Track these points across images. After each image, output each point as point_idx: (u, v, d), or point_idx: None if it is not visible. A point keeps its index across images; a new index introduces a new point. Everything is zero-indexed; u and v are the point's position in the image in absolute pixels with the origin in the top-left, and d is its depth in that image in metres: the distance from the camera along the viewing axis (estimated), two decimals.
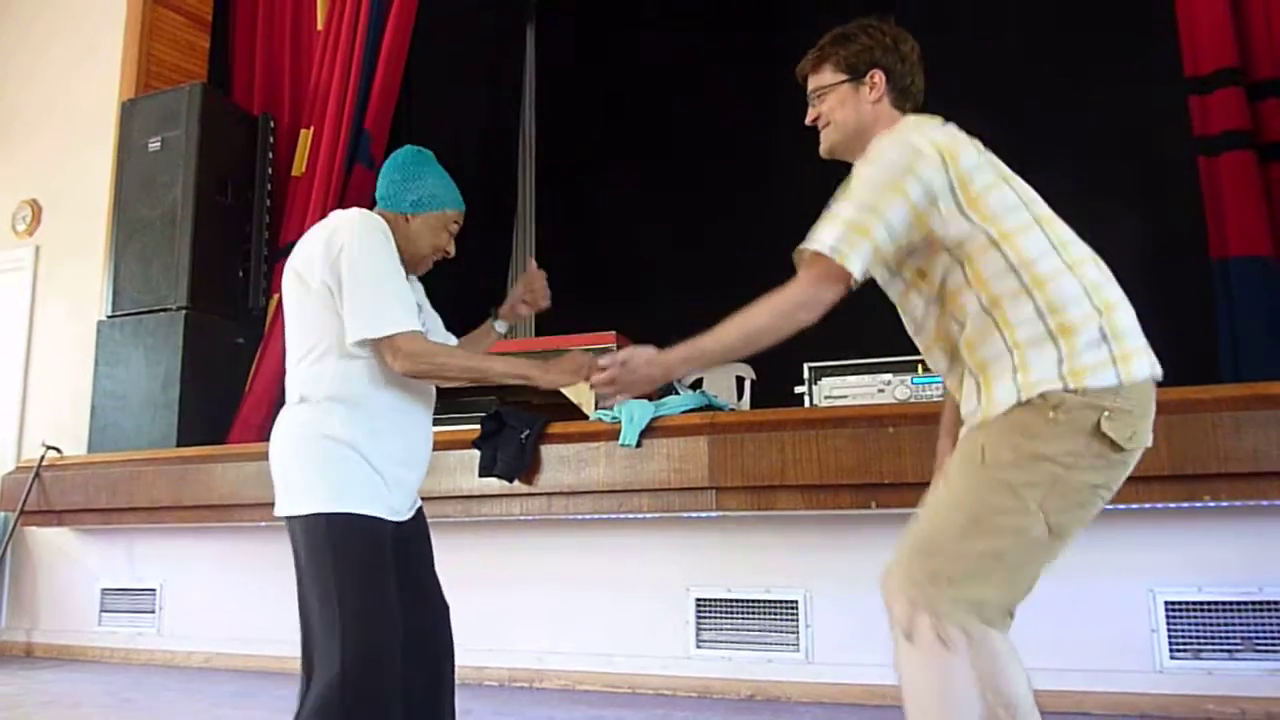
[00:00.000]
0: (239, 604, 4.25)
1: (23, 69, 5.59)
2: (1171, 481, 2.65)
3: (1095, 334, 1.54)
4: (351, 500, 1.79)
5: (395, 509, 1.88)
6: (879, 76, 1.76)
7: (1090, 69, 4.73)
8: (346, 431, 1.82)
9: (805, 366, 3.55)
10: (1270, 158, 3.30)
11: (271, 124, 4.94)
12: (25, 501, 4.41)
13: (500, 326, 2.24)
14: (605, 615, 3.60)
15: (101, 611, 4.61)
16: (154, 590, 4.50)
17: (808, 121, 1.85)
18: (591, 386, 1.82)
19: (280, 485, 1.87)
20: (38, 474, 4.44)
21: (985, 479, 1.55)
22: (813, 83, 1.83)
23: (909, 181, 1.58)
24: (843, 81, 1.78)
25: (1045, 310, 1.55)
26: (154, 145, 4.65)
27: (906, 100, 1.79)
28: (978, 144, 1.69)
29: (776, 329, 1.64)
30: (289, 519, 1.84)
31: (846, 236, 1.58)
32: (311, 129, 4.80)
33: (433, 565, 2.00)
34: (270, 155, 4.88)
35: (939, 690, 1.51)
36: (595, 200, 5.92)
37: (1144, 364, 1.56)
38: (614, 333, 3.86)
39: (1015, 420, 1.54)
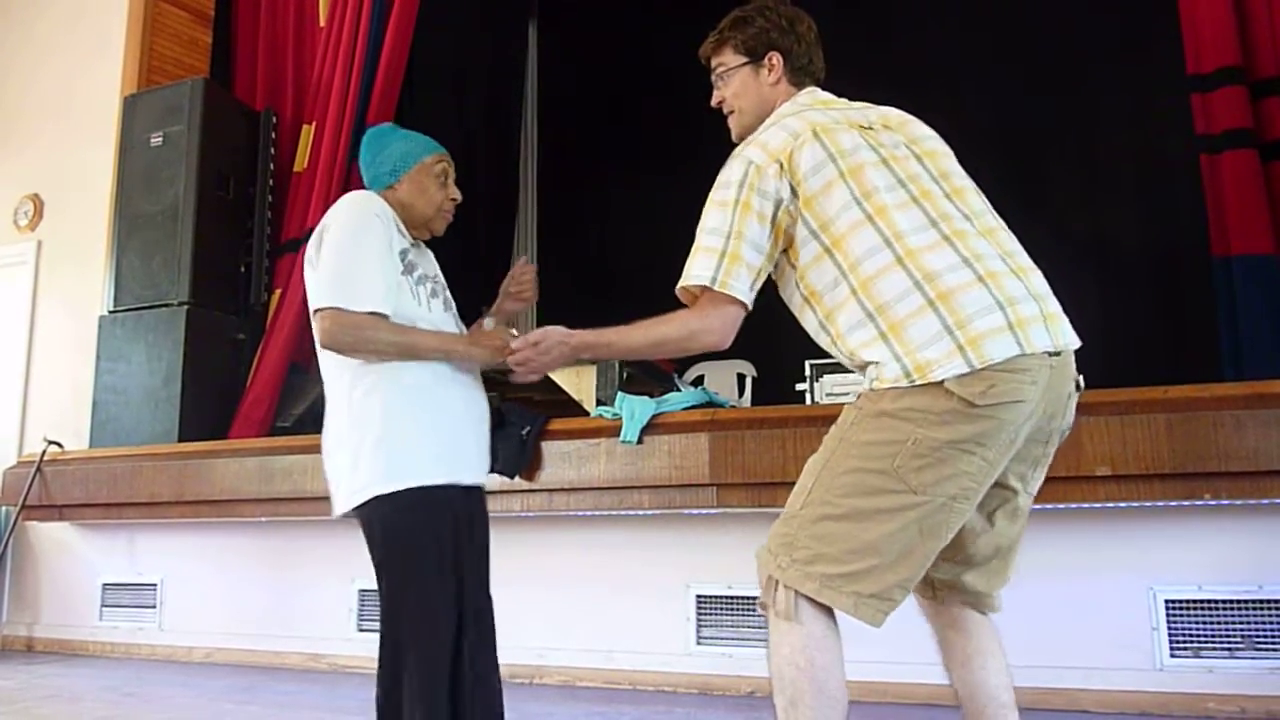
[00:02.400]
0: (240, 599, 4.25)
1: (26, 65, 5.59)
2: (1172, 479, 2.64)
3: (934, 327, 1.50)
4: (394, 477, 1.80)
5: (453, 472, 1.85)
6: (776, 58, 1.83)
7: (1092, 67, 4.73)
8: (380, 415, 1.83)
9: (807, 364, 3.55)
10: (1272, 156, 3.29)
11: (274, 119, 4.93)
12: (26, 496, 4.42)
13: (489, 324, 2.21)
14: (606, 612, 3.60)
15: (102, 606, 4.62)
16: (155, 585, 4.51)
17: (713, 103, 1.92)
18: (505, 364, 1.88)
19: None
20: (39, 469, 4.44)
21: (837, 440, 1.58)
22: (715, 62, 1.90)
23: (754, 197, 1.64)
24: (743, 64, 1.85)
25: (875, 313, 1.55)
26: (156, 140, 4.65)
27: (806, 77, 1.85)
28: (840, 124, 1.68)
29: (680, 346, 1.75)
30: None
31: (722, 265, 1.63)
32: (314, 124, 4.80)
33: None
34: (272, 151, 4.87)
35: (795, 663, 1.50)
36: (597, 198, 5.92)
37: (1001, 344, 1.48)
38: None
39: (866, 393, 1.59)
